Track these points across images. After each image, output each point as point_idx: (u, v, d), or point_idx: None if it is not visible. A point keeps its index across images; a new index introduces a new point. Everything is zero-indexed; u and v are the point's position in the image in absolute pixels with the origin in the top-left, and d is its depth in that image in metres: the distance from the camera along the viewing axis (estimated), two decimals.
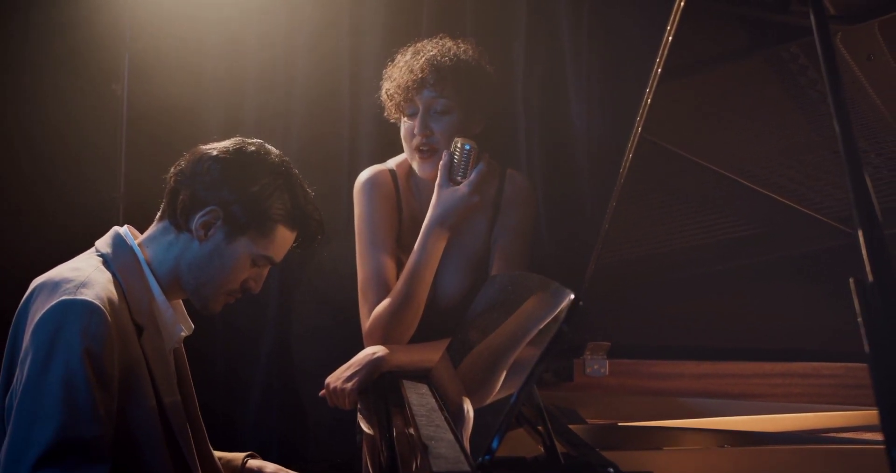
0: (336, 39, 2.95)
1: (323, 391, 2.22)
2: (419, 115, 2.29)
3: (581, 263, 2.16)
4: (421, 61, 2.29)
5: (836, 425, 2.12)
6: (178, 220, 1.78)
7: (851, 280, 1.21)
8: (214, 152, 1.80)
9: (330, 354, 2.34)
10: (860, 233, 1.25)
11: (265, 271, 1.87)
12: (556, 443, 1.57)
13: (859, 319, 1.19)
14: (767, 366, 2.35)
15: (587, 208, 2.73)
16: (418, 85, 2.28)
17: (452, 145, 2.26)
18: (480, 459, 1.30)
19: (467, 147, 2.25)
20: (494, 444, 1.30)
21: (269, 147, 1.86)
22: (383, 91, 2.37)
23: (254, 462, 2.02)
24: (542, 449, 1.43)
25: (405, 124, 2.33)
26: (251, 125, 2.95)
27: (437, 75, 2.28)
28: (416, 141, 2.30)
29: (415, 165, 2.34)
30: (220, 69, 3.00)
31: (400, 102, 2.30)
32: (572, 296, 1.33)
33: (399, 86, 2.29)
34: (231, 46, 2.99)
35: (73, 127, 2.84)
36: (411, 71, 2.28)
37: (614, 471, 1.34)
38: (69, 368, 1.52)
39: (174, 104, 2.88)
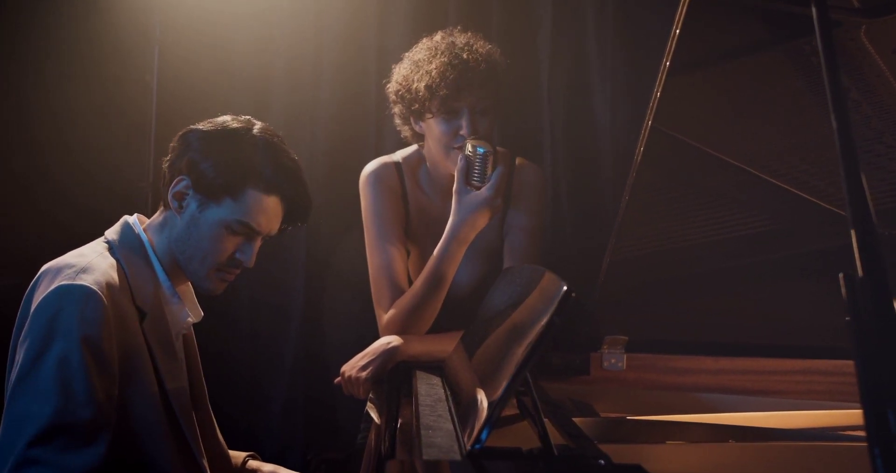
0: (363, 33, 2.98)
1: (338, 379, 2.25)
2: (466, 114, 2.24)
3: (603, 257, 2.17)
4: (470, 62, 2.24)
5: (857, 423, 2.09)
6: (164, 197, 1.79)
7: (841, 276, 1.20)
8: (195, 126, 1.81)
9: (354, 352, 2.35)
10: (852, 228, 1.24)
11: (256, 244, 1.82)
12: (559, 435, 1.59)
13: (847, 317, 1.18)
14: (788, 363, 2.32)
15: (610, 202, 2.73)
16: (469, 86, 2.23)
17: (465, 149, 2.23)
18: (469, 448, 1.31)
19: (481, 150, 2.20)
20: (483, 435, 1.32)
21: (256, 121, 1.84)
22: (411, 82, 2.29)
23: (253, 463, 2.02)
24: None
25: (441, 123, 2.27)
26: (279, 117, 3.00)
27: (487, 77, 2.26)
28: (460, 143, 2.25)
29: (450, 163, 2.29)
30: (248, 61, 3.05)
31: (446, 98, 2.24)
32: (565, 288, 1.34)
33: (448, 87, 2.23)
34: (260, 40, 3.04)
35: (106, 117, 2.90)
36: (462, 71, 2.23)
37: (605, 463, 1.35)
38: (65, 352, 1.55)
39: (203, 96, 2.93)
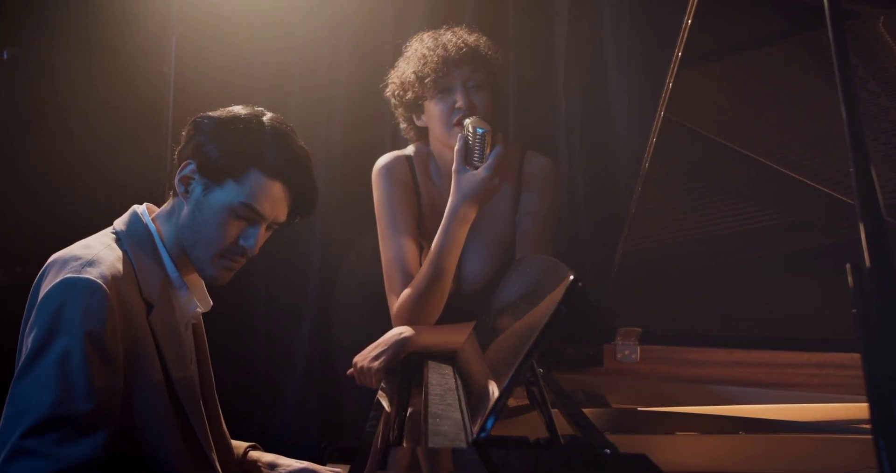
0: (380, 30, 2.99)
1: (351, 370, 2.26)
2: (460, 88, 2.30)
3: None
4: (454, 41, 2.31)
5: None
6: (172, 183, 1.79)
7: (848, 266, 1.19)
8: (206, 113, 1.81)
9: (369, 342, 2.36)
10: (860, 219, 1.23)
11: (259, 230, 1.79)
12: (568, 425, 1.59)
13: (854, 309, 1.17)
14: (804, 356, 2.31)
15: (627, 195, 2.72)
16: (456, 61, 2.30)
17: (464, 129, 2.26)
18: (474, 437, 1.32)
19: (480, 131, 2.23)
20: (489, 423, 1.32)
21: (268, 112, 1.83)
22: (404, 74, 2.36)
23: (254, 453, 2.02)
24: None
25: (438, 103, 2.32)
26: (294, 110, 3.01)
27: (474, 53, 2.32)
28: (458, 116, 2.29)
29: (454, 142, 2.30)
30: (265, 57, 3.06)
31: (436, 79, 2.30)
32: (572, 277, 1.34)
33: (436, 64, 2.30)
34: (276, 36, 3.05)
35: (123, 108, 2.92)
36: (447, 49, 2.30)
37: (611, 452, 1.35)
38: (68, 346, 1.55)
39: (220, 87, 2.93)
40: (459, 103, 2.28)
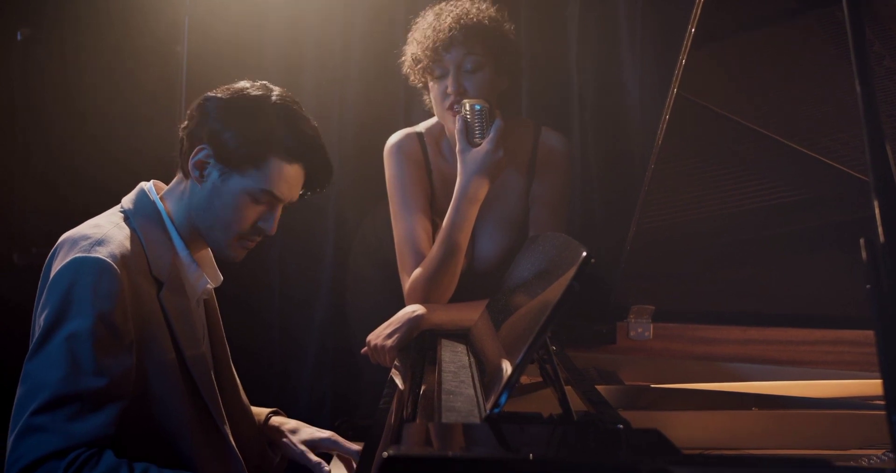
0: (392, 5, 2.97)
1: (365, 349, 2.27)
2: (451, 74, 2.28)
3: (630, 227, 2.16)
4: (447, 21, 2.27)
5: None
6: (183, 165, 1.80)
7: (862, 241, 1.19)
8: (213, 94, 1.80)
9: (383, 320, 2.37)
10: (874, 193, 1.23)
11: (277, 212, 1.83)
12: (581, 402, 1.60)
13: (868, 285, 1.17)
14: (818, 333, 2.31)
15: (640, 172, 2.71)
16: (446, 44, 2.27)
17: (461, 109, 2.25)
18: (487, 413, 1.32)
19: (478, 107, 2.23)
20: (502, 399, 1.32)
21: (273, 86, 1.84)
22: (408, 56, 2.36)
23: (276, 419, 2.04)
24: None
25: (436, 87, 2.32)
26: (307, 89, 3.01)
27: (465, 33, 2.27)
28: (449, 101, 2.29)
29: (449, 125, 2.33)
30: (278, 33, 3.05)
31: (428, 64, 2.29)
32: (584, 253, 1.34)
33: (426, 48, 2.28)
34: (290, 10, 3.04)
35: (135, 87, 2.92)
36: (437, 31, 2.28)
37: (624, 428, 1.35)
38: (78, 326, 1.57)
39: (232, 67, 2.92)
40: (449, 89, 2.28)
